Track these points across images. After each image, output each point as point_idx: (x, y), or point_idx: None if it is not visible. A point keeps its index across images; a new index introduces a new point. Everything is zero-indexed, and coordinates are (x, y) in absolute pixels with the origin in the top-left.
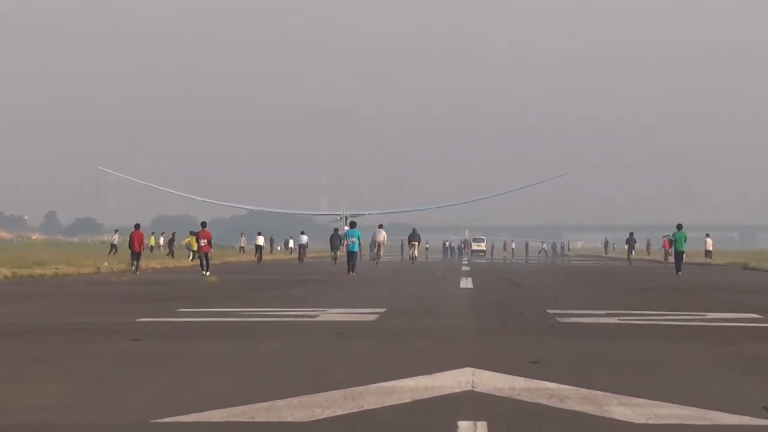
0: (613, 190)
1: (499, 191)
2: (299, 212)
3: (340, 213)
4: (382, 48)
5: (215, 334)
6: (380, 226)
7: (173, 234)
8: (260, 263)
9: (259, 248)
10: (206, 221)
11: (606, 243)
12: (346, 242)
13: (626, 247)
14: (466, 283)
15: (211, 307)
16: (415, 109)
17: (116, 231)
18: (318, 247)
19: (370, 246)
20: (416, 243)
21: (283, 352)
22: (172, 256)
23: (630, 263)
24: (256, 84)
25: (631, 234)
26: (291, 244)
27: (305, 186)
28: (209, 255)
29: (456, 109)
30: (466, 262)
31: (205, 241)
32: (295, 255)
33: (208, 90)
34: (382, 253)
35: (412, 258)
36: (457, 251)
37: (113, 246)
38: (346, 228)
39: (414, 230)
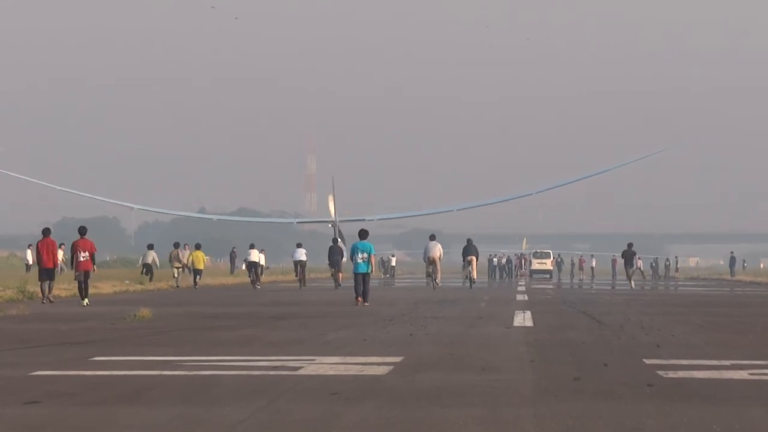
0: (739, 182)
1: (557, 182)
2: (271, 220)
3: (330, 219)
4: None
5: (146, 394)
6: (433, 238)
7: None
8: (256, 287)
9: (253, 266)
10: (86, 227)
11: (732, 259)
12: (348, 259)
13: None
14: (523, 319)
15: (142, 354)
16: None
17: (30, 245)
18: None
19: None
20: (474, 258)
21: (247, 426)
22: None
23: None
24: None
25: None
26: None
27: (281, 181)
28: (90, 275)
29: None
30: (522, 288)
31: (86, 254)
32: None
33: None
34: (440, 276)
35: (470, 280)
36: (507, 271)
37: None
38: (339, 240)
39: (469, 241)
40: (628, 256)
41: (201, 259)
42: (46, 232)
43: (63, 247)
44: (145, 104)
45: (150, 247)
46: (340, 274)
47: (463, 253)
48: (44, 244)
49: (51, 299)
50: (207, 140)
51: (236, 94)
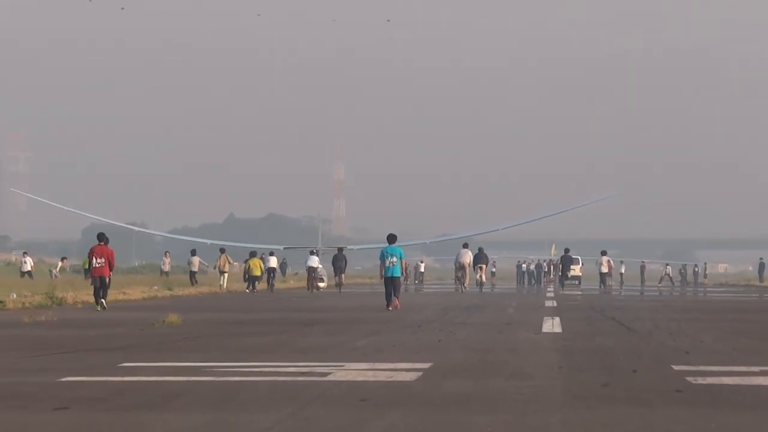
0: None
1: (520, 220)
2: (260, 246)
3: (315, 247)
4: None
5: (175, 400)
6: (465, 246)
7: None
8: (272, 292)
9: (271, 272)
10: (105, 233)
11: (761, 266)
12: (382, 264)
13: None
14: (552, 325)
15: (171, 360)
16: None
17: (25, 253)
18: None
19: (410, 277)
20: (483, 265)
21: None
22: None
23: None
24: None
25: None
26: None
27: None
28: (108, 281)
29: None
30: (551, 294)
31: (103, 260)
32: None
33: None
34: (468, 281)
35: (480, 284)
36: (536, 277)
37: (27, 273)
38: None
39: (480, 249)
40: (566, 261)
41: (257, 266)
42: (101, 237)
43: (65, 260)
44: (170, 109)
45: (253, 254)
46: (343, 276)
47: (474, 261)
48: (98, 252)
49: (105, 306)
50: (235, 145)
51: (256, 99)
